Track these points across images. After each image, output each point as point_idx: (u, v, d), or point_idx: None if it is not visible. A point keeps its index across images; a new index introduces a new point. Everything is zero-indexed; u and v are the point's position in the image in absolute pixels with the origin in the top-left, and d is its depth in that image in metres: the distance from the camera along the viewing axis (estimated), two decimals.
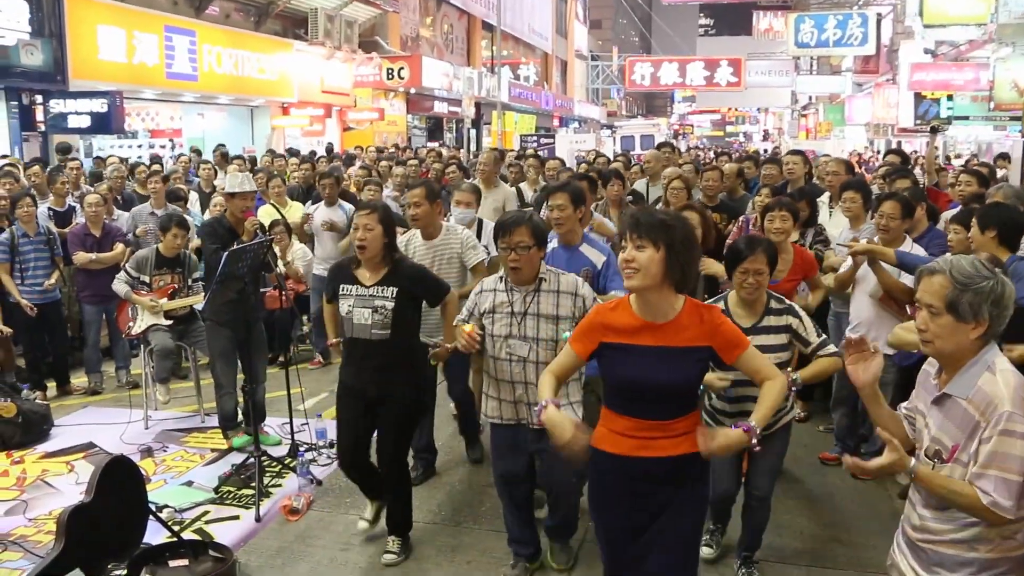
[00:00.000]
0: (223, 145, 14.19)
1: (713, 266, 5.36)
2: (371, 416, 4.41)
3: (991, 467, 2.33)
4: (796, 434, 4.89)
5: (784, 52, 35.98)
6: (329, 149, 14.84)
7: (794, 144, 27.70)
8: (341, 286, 4.32)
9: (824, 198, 6.76)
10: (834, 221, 6.43)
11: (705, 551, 4.37)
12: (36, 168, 9.34)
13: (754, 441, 2.87)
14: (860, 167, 12.44)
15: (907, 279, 4.93)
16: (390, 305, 4.22)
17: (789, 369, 3.99)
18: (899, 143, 24.81)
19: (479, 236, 5.74)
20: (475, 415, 5.50)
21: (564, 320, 3.86)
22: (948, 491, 2.40)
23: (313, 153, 15.17)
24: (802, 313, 3.99)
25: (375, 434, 4.49)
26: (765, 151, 26.75)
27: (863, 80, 35.19)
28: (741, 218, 6.99)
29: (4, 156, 11.38)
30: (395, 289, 4.23)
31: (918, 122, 23.82)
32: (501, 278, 3.98)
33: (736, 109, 65.14)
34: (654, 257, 2.81)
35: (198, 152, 12.47)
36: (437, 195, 5.26)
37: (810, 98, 46.69)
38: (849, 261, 5.30)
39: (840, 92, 38.96)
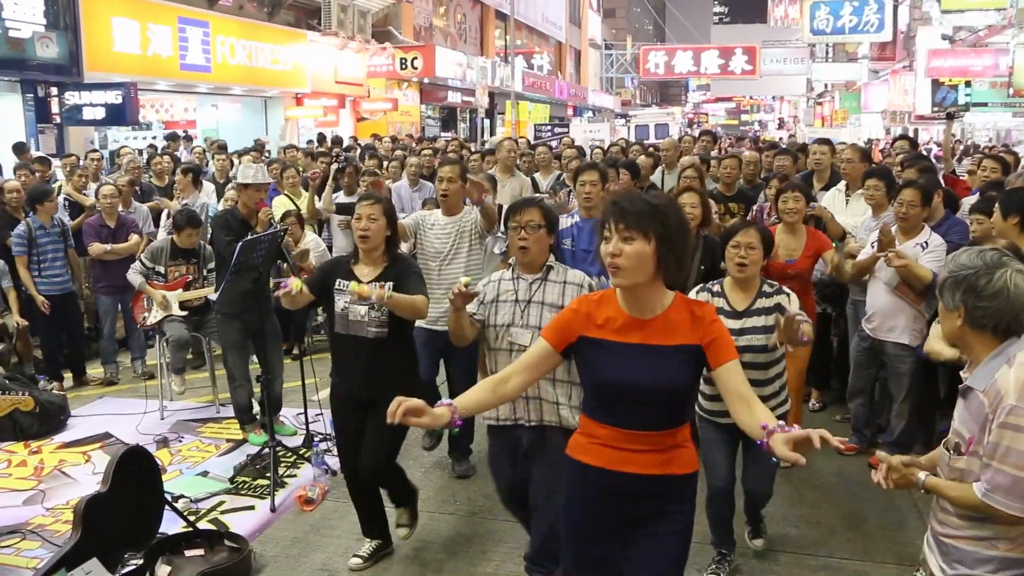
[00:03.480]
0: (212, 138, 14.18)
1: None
2: (363, 417, 4.20)
3: (992, 460, 2.34)
4: (811, 423, 4.83)
5: (799, 39, 35.78)
6: (325, 138, 14.78)
7: (811, 132, 27.52)
8: (337, 281, 4.14)
9: (840, 186, 6.69)
10: (851, 209, 6.37)
11: None
12: (72, 158, 9.45)
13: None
14: (882, 157, 12.31)
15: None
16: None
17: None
18: (916, 130, 24.62)
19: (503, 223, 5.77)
20: (471, 427, 5.34)
21: None
22: (953, 497, 2.44)
23: (322, 136, 15.12)
24: (791, 293, 4.04)
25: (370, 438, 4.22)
26: (780, 139, 26.57)
27: (879, 67, 34.95)
28: (755, 207, 6.98)
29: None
30: (392, 284, 4.05)
31: (935, 109, 23.65)
32: (510, 266, 3.87)
33: (751, 97, 64.81)
34: (645, 250, 2.48)
35: (223, 147, 12.51)
36: (466, 175, 5.38)
37: (826, 86, 46.43)
38: (868, 249, 5.26)
39: (856, 79, 38.72)
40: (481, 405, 2.78)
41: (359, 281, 4.06)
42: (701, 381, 3.11)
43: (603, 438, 2.67)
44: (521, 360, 2.79)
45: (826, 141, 7.74)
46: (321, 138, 14.62)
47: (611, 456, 2.66)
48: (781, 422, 2.37)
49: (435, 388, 5.47)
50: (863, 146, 8.29)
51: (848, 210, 6.38)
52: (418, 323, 4.68)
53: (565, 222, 5.21)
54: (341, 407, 4.31)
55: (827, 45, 40.20)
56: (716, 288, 4.07)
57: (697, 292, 4.08)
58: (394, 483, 4.39)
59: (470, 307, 3.75)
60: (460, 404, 2.66)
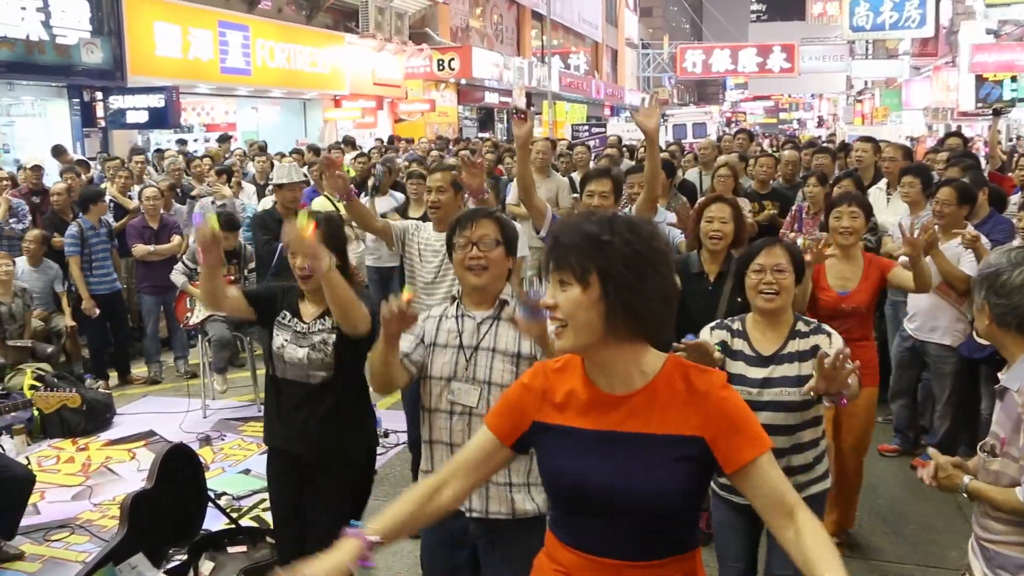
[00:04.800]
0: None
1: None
2: (307, 486, 3.39)
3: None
4: None
5: (839, 36, 35.36)
6: (348, 140, 14.80)
7: (850, 131, 27.20)
8: (283, 312, 3.36)
9: (881, 184, 6.62)
10: (892, 208, 6.30)
11: None
12: (117, 161, 9.66)
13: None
14: (924, 154, 12.11)
15: (966, 268, 4.82)
16: (332, 339, 3.25)
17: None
18: (959, 127, 24.23)
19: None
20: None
21: (526, 360, 2.75)
22: (995, 501, 2.40)
23: (349, 139, 15.13)
24: (833, 332, 3.09)
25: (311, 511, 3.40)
26: (819, 138, 26.26)
27: (921, 63, 34.38)
28: (793, 207, 6.87)
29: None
30: (335, 320, 3.20)
31: (979, 105, 23.23)
32: (454, 300, 2.94)
33: (789, 95, 64.12)
34: (580, 299, 1.74)
35: (263, 148, 12.69)
36: (461, 185, 4.53)
37: (866, 83, 45.75)
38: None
39: (897, 76, 38.11)
40: (406, 525, 1.98)
41: (302, 320, 3.32)
42: None
43: (568, 567, 1.91)
44: (458, 459, 2.04)
45: (869, 139, 7.62)
46: (348, 140, 14.64)
47: None
48: None
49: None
50: (906, 144, 8.17)
51: (889, 209, 6.32)
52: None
53: None
54: (278, 470, 3.49)
55: (867, 42, 39.64)
56: (736, 326, 3.16)
57: (711, 330, 3.18)
58: None
59: (403, 343, 2.73)
60: (377, 529, 1.90)
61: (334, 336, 3.25)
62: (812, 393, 2.82)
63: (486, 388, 2.76)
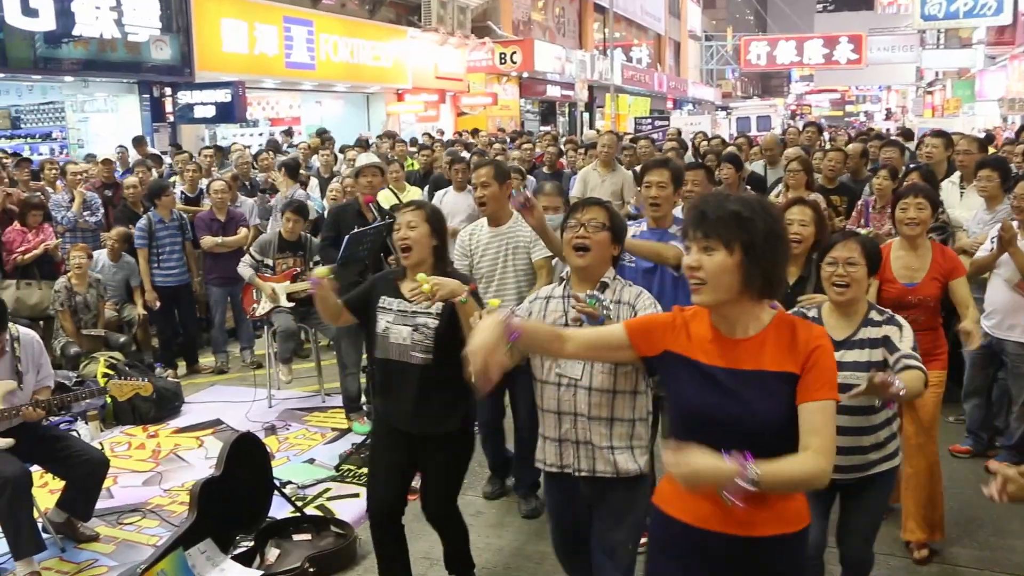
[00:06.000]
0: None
1: None
2: (412, 459, 3.69)
3: None
4: None
5: (909, 26, 34.44)
6: (389, 134, 14.82)
7: (920, 123, 26.52)
8: (381, 298, 3.59)
9: (954, 178, 6.43)
10: (965, 202, 6.11)
11: None
12: (184, 155, 9.89)
13: (743, 483, 2.00)
14: (1001, 146, 11.74)
15: None
16: (433, 323, 3.48)
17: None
18: None
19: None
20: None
21: None
22: None
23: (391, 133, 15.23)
24: (905, 324, 3.26)
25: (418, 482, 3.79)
26: (887, 131, 25.68)
27: (996, 52, 33.29)
28: (860, 202, 6.70)
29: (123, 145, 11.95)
30: (442, 304, 3.44)
31: None
32: (561, 281, 3.25)
33: (856, 88, 62.75)
34: (726, 263, 2.15)
35: (327, 140, 12.87)
36: (507, 175, 4.65)
37: (937, 74, 44.51)
38: (987, 245, 5.02)
39: (970, 66, 36.99)
40: (535, 340, 2.40)
41: (405, 299, 3.53)
42: None
43: None
44: (587, 332, 2.46)
45: (941, 133, 7.36)
46: (389, 133, 14.64)
47: (698, 509, 2.25)
48: (753, 464, 2.00)
49: (501, 430, 5.00)
50: (981, 136, 7.91)
51: (963, 204, 6.13)
52: None
53: (629, 231, 3.88)
54: (382, 439, 3.77)
55: (938, 31, 38.56)
56: (812, 313, 3.36)
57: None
58: (453, 522, 3.88)
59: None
60: (522, 323, 2.33)
61: (437, 322, 3.48)
62: (859, 398, 2.96)
63: (588, 362, 2.99)
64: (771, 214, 2.23)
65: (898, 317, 3.29)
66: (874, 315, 3.28)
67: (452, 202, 7.06)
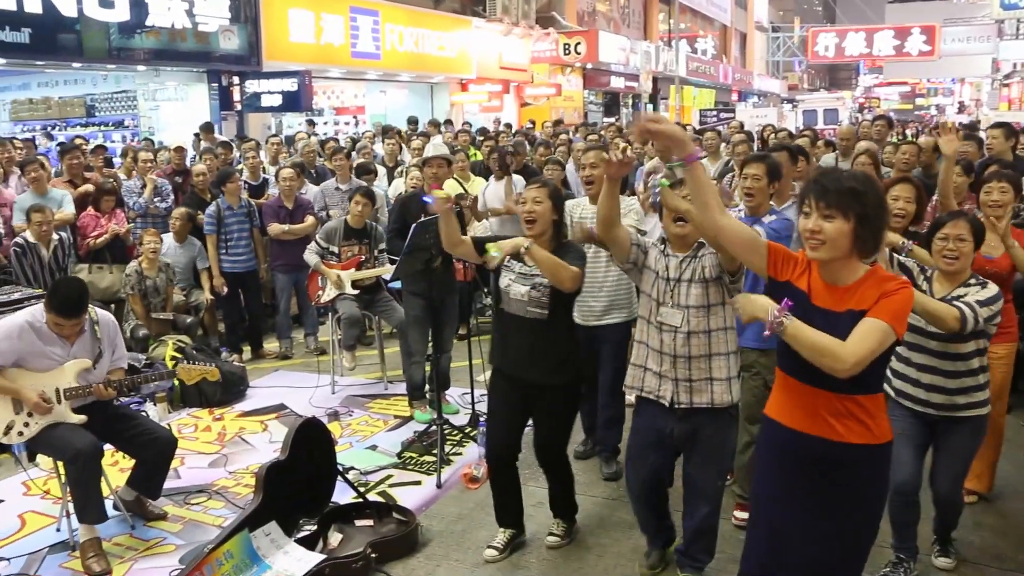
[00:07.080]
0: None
1: (889, 236, 4.67)
2: (526, 406, 4.12)
3: None
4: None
5: (986, 16, 33.42)
6: (434, 123, 14.87)
7: (995, 117, 25.72)
8: (507, 258, 4.03)
9: None
10: None
11: None
12: (251, 143, 10.03)
13: (774, 321, 2.55)
14: None
15: None
16: (548, 283, 3.90)
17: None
18: None
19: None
20: (620, 425, 5.12)
21: (713, 283, 3.56)
22: None
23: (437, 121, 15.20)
24: (990, 285, 3.71)
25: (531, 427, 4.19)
26: (962, 125, 24.91)
27: None
28: (934, 197, 6.50)
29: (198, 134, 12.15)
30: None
31: None
32: (663, 240, 3.71)
33: (928, 80, 61.05)
34: (843, 229, 2.58)
35: (397, 131, 12.96)
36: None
37: (1014, 65, 43.11)
38: None
39: None
40: (705, 185, 2.81)
41: (525, 264, 3.97)
42: (893, 358, 3.33)
43: (791, 393, 2.77)
44: (743, 224, 2.85)
45: (1003, 124, 7.20)
46: (434, 122, 14.66)
47: (801, 418, 2.74)
48: (787, 313, 2.56)
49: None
50: None
51: None
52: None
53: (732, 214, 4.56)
54: (499, 387, 4.19)
55: (1017, 20, 37.32)
56: (928, 272, 3.84)
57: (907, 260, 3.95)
58: (561, 467, 4.29)
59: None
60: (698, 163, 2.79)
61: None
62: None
63: (687, 311, 3.55)
64: (879, 190, 2.68)
65: (990, 283, 3.73)
66: (972, 280, 3.75)
67: (492, 191, 7.64)
